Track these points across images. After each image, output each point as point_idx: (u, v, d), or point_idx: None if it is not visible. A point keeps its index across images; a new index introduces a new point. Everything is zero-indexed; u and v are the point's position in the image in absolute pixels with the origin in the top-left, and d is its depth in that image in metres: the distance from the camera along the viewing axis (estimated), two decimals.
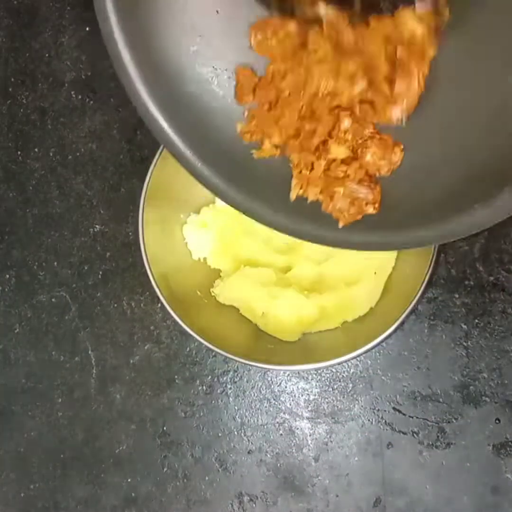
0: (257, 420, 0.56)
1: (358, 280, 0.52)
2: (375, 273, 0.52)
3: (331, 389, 0.55)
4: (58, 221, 0.60)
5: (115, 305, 0.58)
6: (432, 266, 0.45)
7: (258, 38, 0.37)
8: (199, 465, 0.56)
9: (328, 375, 0.55)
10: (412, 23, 0.33)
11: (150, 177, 0.49)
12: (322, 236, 0.38)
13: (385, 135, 0.37)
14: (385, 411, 0.54)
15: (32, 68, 0.62)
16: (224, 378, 0.56)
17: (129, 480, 0.56)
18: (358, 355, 0.45)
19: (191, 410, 0.56)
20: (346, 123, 0.37)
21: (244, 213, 0.40)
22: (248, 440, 0.56)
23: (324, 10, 0.35)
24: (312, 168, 0.39)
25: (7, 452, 0.58)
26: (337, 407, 0.55)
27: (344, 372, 0.55)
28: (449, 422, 0.54)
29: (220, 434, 0.56)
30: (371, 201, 0.37)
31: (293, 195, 0.39)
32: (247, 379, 0.56)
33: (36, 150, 0.61)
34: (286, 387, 0.56)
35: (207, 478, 0.56)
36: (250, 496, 0.55)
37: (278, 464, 0.55)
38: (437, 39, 0.33)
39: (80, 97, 0.61)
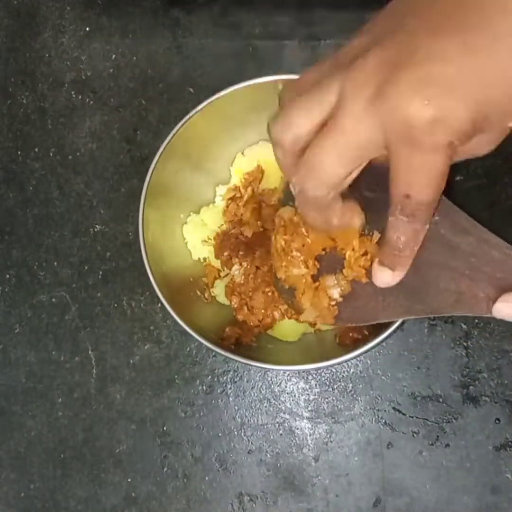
0: (257, 420, 0.56)
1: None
2: None
3: (331, 389, 0.55)
4: (58, 221, 0.60)
5: (115, 305, 0.58)
6: None
7: None
8: (199, 465, 0.56)
9: (328, 375, 0.56)
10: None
11: (150, 177, 0.49)
12: None
13: None
14: (385, 411, 0.54)
15: (32, 68, 0.62)
16: (224, 378, 0.56)
17: (129, 480, 0.56)
18: (358, 355, 0.45)
19: (191, 410, 0.56)
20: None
21: None
22: (248, 440, 0.56)
23: None
24: None
25: (7, 452, 0.58)
26: (337, 407, 0.55)
27: (344, 372, 0.55)
28: (449, 422, 0.54)
29: (220, 434, 0.56)
30: None
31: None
32: (247, 379, 0.56)
33: (36, 150, 0.61)
34: (286, 387, 0.56)
35: (207, 478, 0.56)
36: (250, 496, 0.55)
37: (278, 464, 0.55)
38: None
39: (80, 97, 0.61)
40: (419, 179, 0.28)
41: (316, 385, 0.56)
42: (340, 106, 0.28)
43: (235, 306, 0.53)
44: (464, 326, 0.55)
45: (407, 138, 0.26)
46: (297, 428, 0.55)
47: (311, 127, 0.29)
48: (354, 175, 0.30)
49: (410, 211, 0.29)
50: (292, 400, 0.56)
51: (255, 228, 0.53)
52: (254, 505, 0.55)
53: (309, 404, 0.55)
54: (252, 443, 0.56)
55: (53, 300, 0.59)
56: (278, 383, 0.56)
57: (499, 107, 0.26)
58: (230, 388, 0.56)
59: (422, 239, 0.32)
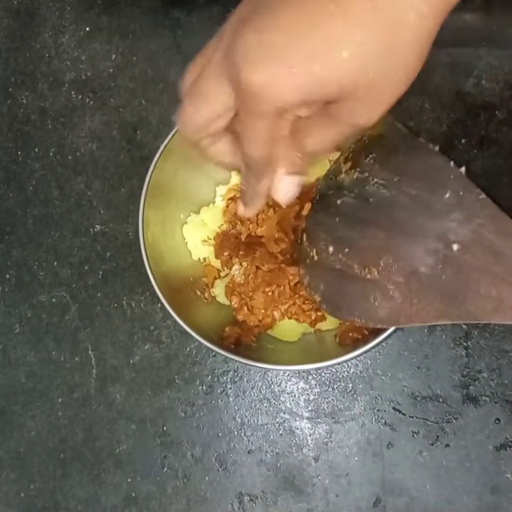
0: (257, 420, 0.56)
1: None
2: None
3: (331, 389, 0.55)
4: (58, 221, 0.60)
5: (115, 305, 0.58)
6: None
7: None
8: (199, 465, 0.56)
9: (328, 375, 0.56)
10: None
11: (150, 177, 0.49)
12: None
13: None
14: (385, 411, 0.54)
15: (32, 68, 0.62)
16: (224, 378, 0.56)
17: (129, 480, 0.56)
18: (358, 355, 0.45)
19: (191, 410, 0.56)
20: None
21: None
22: (248, 440, 0.56)
23: None
24: None
25: (7, 452, 0.58)
26: (337, 407, 0.55)
27: (344, 372, 0.55)
28: (449, 422, 0.54)
29: (220, 434, 0.56)
30: None
31: None
32: (247, 379, 0.56)
33: (36, 150, 0.61)
34: (286, 387, 0.56)
35: (207, 478, 0.56)
36: (250, 496, 0.55)
37: (278, 464, 0.55)
38: None
39: (80, 97, 0.61)
40: (249, 138, 0.30)
41: (316, 385, 0.56)
42: (208, 62, 0.30)
43: (235, 306, 0.53)
44: (464, 326, 0.55)
45: (241, 99, 0.29)
46: (297, 428, 0.55)
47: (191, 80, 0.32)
48: (219, 123, 0.32)
49: (246, 163, 0.32)
50: (292, 400, 0.56)
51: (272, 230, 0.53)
52: (254, 505, 0.55)
53: (309, 404, 0.55)
54: (252, 443, 0.56)
55: (53, 300, 0.59)
56: (278, 383, 0.56)
57: (322, 85, 0.27)
58: (230, 388, 0.56)
59: (262, 191, 0.35)
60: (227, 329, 0.51)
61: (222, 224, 0.55)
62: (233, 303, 0.53)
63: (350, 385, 0.55)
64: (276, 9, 0.27)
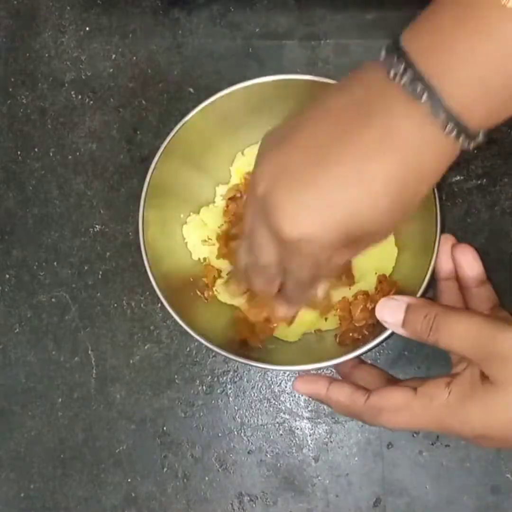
0: (257, 420, 0.56)
1: (358, 280, 0.52)
2: (375, 273, 0.52)
3: None
4: (58, 221, 0.60)
5: (115, 305, 0.58)
6: (432, 266, 0.45)
7: None
8: (199, 465, 0.56)
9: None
10: None
11: (150, 177, 0.49)
12: None
13: None
14: None
15: (32, 68, 0.62)
16: (224, 378, 0.56)
17: (129, 480, 0.56)
18: (358, 355, 0.45)
19: (191, 410, 0.56)
20: None
21: None
22: (248, 440, 0.56)
23: None
24: None
25: (7, 452, 0.58)
26: None
27: None
28: None
29: (220, 434, 0.56)
30: None
31: None
32: (247, 379, 0.56)
33: (36, 150, 0.61)
34: (286, 387, 0.56)
35: (207, 478, 0.56)
36: (250, 496, 0.55)
37: (278, 464, 0.55)
38: None
39: (80, 97, 0.61)
40: (298, 269, 0.36)
41: None
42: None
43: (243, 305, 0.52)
44: None
45: (284, 248, 0.34)
46: (297, 428, 0.55)
47: None
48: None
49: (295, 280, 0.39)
50: (292, 400, 0.56)
51: None
52: (254, 505, 0.55)
53: (309, 404, 0.55)
54: (252, 443, 0.56)
55: (53, 300, 0.59)
56: (278, 383, 0.56)
57: (362, 229, 0.32)
58: (230, 388, 0.56)
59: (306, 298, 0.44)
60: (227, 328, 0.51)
61: (222, 224, 0.55)
62: (241, 302, 0.52)
63: None
64: (306, 169, 0.32)
